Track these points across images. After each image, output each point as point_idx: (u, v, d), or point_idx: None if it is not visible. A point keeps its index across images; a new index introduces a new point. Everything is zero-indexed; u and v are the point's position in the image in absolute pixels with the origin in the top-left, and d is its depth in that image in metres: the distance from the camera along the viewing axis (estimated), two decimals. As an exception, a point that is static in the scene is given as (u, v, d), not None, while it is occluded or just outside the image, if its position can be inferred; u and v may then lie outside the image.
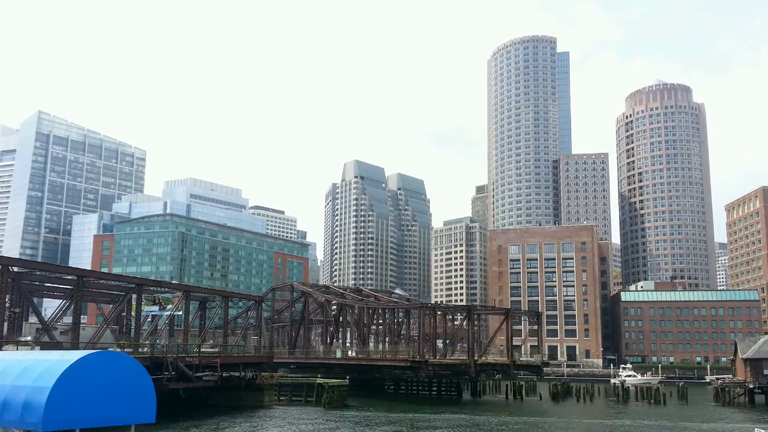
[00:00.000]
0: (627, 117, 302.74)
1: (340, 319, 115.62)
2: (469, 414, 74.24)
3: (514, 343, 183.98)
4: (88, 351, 20.07)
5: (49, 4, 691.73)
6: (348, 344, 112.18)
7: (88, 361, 18.08)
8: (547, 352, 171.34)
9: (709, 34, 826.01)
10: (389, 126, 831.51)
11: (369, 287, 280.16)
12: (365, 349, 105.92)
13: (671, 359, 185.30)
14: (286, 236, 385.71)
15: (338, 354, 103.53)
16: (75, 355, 18.34)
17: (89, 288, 72.19)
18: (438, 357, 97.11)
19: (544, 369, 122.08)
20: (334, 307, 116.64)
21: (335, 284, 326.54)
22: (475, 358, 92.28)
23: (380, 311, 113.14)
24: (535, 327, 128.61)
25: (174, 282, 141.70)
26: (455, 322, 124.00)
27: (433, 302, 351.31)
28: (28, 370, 18.11)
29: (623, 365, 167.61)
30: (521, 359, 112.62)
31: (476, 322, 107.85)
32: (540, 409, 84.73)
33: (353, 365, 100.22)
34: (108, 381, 18.29)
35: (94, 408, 17.79)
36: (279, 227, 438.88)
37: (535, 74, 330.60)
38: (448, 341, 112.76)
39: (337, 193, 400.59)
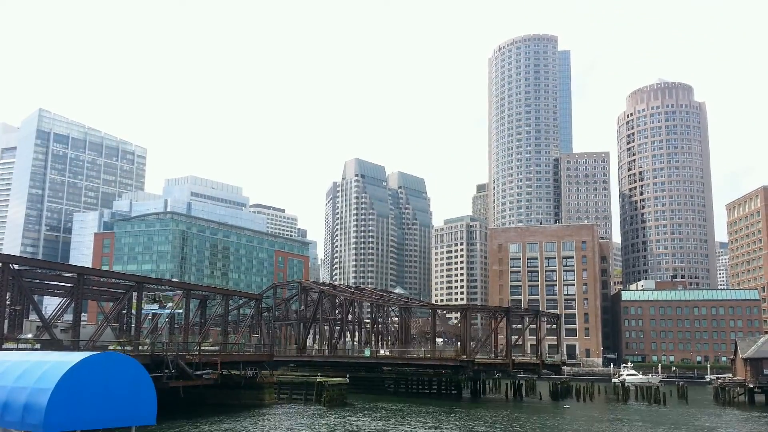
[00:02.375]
0: (628, 116, 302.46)
1: (349, 317, 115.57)
2: (471, 412, 74.29)
3: (519, 344, 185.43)
4: (89, 353, 20.06)
5: (50, 3, 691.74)
6: (356, 343, 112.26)
7: (89, 363, 18.06)
8: (547, 353, 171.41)
9: (711, 32, 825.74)
10: (390, 124, 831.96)
11: (369, 286, 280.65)
12: (400, 348, 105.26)
13: (671, 358, 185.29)
14: (287, 234, 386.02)
15: (367, 353, 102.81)
16: (76, 357, 18.32)
17: (90, 286, 72.18)
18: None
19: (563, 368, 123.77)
20: (339, 305, 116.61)
21: (335, 282, 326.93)
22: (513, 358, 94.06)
23: (387, 309, 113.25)
24: (554, 327, 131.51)
25: (174, 280, 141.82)
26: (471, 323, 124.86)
27: (434, 301, 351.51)
28: (29, 371, 18.08)
29: (624, 364, 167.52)
30: (548, 359, 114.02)
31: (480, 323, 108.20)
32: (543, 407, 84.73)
33: (390, 364, 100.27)
34: (109, 383, 18.27)
35: (95, 409, 17.77)
36: (279, 225, 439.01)
37: (536, 73, 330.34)
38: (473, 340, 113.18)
39: (338, 191, 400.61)
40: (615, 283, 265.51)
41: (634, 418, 74.31)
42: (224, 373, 71.41)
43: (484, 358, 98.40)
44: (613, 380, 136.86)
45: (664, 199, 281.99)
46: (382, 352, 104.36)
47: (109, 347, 60.54)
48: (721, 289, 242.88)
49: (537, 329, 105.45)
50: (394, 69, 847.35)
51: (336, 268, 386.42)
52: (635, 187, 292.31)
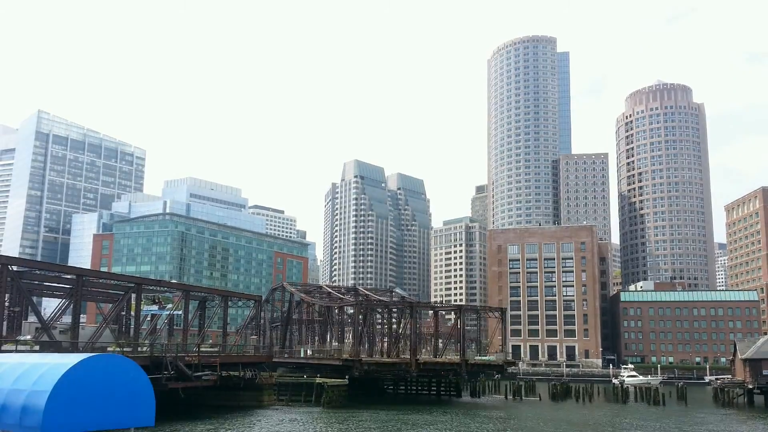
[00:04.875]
0: (627, 117, 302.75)
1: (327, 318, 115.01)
2: (464, 414, 74.36)
3: (514, 343, 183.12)
4: (87, 354, 20.02)
5: (49, 4, 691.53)
6: (334, 343, 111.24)
7: (87, 365, 17.98)
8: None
9: (709, 33, 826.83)
10: (389, 126, 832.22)
11: (368, 287, 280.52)
12: (322, 348, 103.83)
13: (670, 359, 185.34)
14: (286, 236, 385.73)
15: (302, 353, 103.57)
16: (74, 359, 18.25)
17: (89, 287, 72.07)
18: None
19: (510, 368, 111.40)
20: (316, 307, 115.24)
21: (334, 284, 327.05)
22: (417, 357, 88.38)
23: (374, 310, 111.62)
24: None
25: (173, 281, 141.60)
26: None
27: (432, 302, 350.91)
28: (27, 373, 17.99)
29: (624, 365, 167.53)
30: (477, 358, 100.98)
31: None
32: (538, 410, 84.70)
33: (291, 363, 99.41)
34: (107, 384, 18.20)
35: (93, 411, 17.69)
36: (278, 227, 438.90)
37: (535, 74, 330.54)
38: (391, 339, 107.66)
39: (337, 192, 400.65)
40: (614, 284, 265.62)
41: (629, 421, 74.19)
42: (223, 374, 71.29)
43: (379, 359, 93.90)
44: (613, 381, 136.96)
45: (663, 200, 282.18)
46: (309, 352, 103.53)
47: (108, 349, 60.48)
48: (720, 290, 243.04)
49: (461, 325, 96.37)
50: (393, 70, 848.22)
51: (335, 270, 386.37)
52: (634, 188, 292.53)
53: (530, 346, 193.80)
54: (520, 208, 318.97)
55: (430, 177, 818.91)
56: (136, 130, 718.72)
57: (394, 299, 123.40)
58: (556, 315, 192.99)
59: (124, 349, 60.85)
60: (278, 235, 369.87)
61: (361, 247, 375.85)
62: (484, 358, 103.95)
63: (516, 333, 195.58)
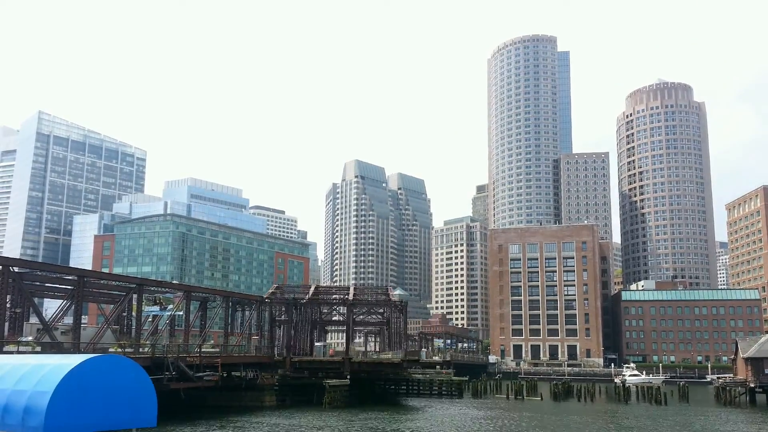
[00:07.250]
0: (627, 116, 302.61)
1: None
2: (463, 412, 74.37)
3: (516, 342, 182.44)
4: (89, 355, 20.02)
5: (49, 5, 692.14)
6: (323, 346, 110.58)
7: (89, 365, 18.04)
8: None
9: (710, 31, 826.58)
10: (390, 125, 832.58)
11: (368, 287, 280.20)
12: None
13: (672, 358, 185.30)
14: (287, 236, 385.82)
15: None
16: (76, 359, 18.29)
17: (90, 288, 72.03)
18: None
19: (412, 368, 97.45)
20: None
21: (335, 284, 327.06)
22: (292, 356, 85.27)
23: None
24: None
25: (175, 282, 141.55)
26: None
27: (435, 303, 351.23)
28: (29, 374, 18.06)
29: (626, 365, 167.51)
30: (373, 357, 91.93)
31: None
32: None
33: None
34: (109, 385, 18.25)
35: (96, 412, 17.75)
36: (279, 227, 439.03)
37: (535, 73, 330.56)
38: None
39: (338, 192, 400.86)
40: (615, 283, 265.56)
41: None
42: (225, 375, 71.28)
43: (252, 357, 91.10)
44: (615, 380, 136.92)
45: (663, 199, 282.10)
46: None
47: (110, 349, 60.45)
48: (721, 289, 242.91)
49: (349, 320, 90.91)
50: (394, 70, 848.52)
51: (336, 270, 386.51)
52: (635, 187, 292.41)
53: (531, 345, 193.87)
54: (521, 207, 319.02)
55: (431, 177, 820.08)
56: (137, 131, 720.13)
57: (387, 298, 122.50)
58: (557, 314, 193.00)
59: (126, 350, 60.82)
60: (279, 235, 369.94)
61: (362, 247, 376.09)
62: (383, 356, 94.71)
63: (517, 332, 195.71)
